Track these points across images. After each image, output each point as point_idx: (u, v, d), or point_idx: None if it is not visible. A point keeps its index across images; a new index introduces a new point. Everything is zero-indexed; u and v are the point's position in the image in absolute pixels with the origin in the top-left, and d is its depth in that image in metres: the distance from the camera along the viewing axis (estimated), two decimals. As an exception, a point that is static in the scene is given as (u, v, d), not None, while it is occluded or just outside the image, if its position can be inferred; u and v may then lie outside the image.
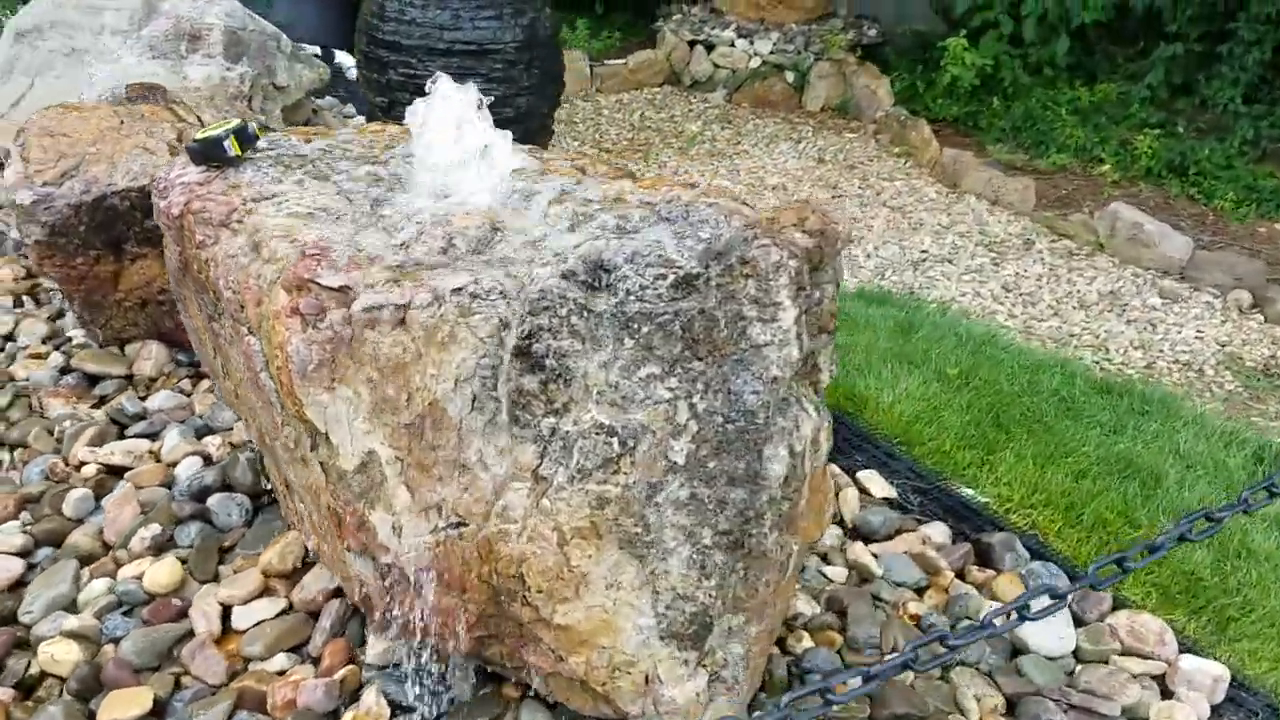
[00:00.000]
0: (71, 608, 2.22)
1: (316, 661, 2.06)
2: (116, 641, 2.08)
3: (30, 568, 2.34)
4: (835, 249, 1.91)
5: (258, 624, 2.12)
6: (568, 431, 1.70)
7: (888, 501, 2.75)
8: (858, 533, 2.61)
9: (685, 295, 1.70)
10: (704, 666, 1.87)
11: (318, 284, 1.65)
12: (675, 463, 1.73)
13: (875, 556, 2.49)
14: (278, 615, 2.12)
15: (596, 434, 1.70)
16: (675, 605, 1.81)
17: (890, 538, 2.59)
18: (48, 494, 2.51)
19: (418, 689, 1.93)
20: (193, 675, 2.03)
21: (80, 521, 2.45)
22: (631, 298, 1.67)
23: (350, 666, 2.03)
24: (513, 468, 1.72)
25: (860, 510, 2.65)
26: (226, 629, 2.13)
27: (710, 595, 1.82)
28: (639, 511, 1.74)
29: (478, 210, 1.87)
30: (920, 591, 2.42)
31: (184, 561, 2.27)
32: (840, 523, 2.63)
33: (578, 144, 7.11)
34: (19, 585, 2.28)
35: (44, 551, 2.38)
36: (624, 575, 1.77)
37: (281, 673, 2.04)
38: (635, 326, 1.68)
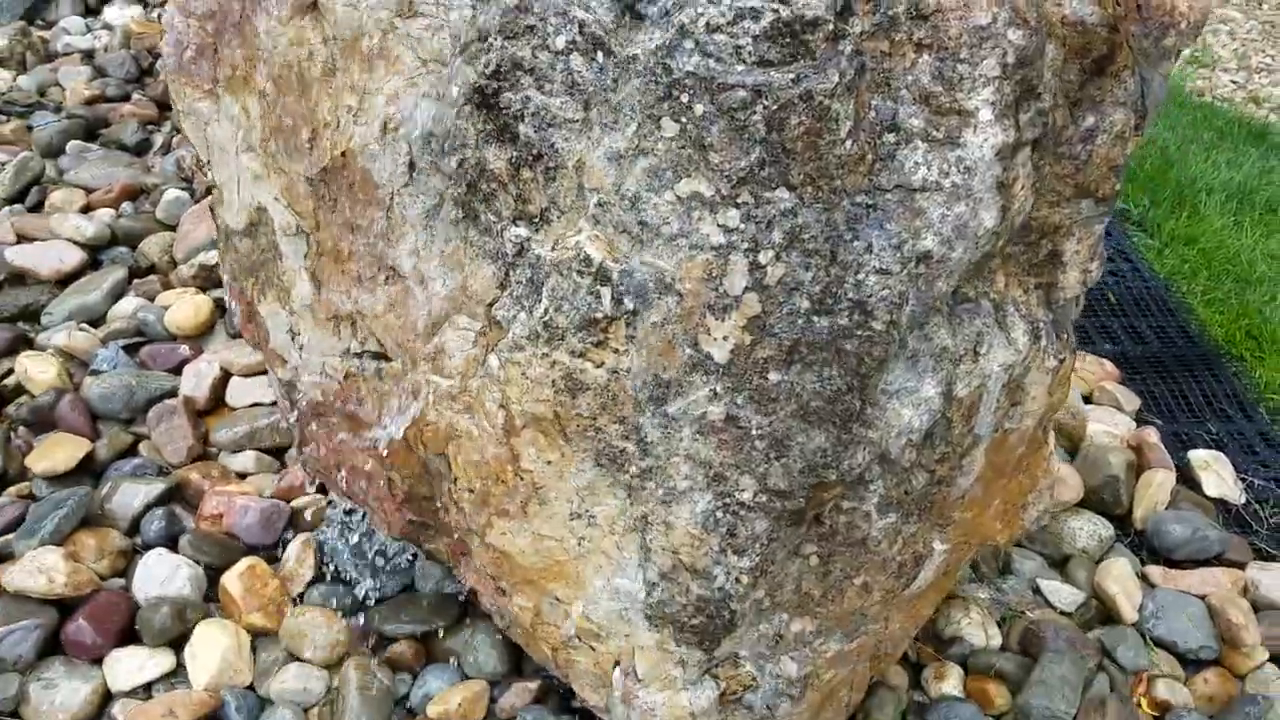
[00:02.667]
0: (97, 322, 1.94)
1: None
2: (98, 374, 1.77)
3: (94, 265, 2.08)
4: (1156, 41, 1.04)
5: (251, 406, 1.72)
6: (539, 256, 1.06)
7: (1222, 506, 1.82)
8: (1142, 541, 1.74)
9: (787, 60, 0.95)
10: (714, 677, 1.22)
11: (212, -76, 1.08)
12: (709, 356, 1.04)
13: (1150, 586, 1.63)
14: (273, 402, 1.70)
15: (580, 273, 1.04)
16: (676, 577, 1.15)
17: (1193, 565, 1.70)
18: (159, 190, 2.25)
19: (353, 559, 1.45)
20: (152, 443, 1.68)
21: (171, 228, 2.16)
22: (690, 43, 0.95)
23: (315, 498, 1.57)
24: (459, 292, 1.11)
25: (1165, 508, 1.76)
26: (220, 402, 1.75)
27: (738, 579, 1.14)
28: (633, 418, 1.08)
29: None
30: (1197, 666, 1.54)
31: (221, 305, 1.90)
32: (1123, 518, 1.76)
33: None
34: (70, 280, 2.03)
35: (118, 250, 2.12)
36: (600, 507, 1.14)
37: (242, 476, 1.64)
38: (684, 101, 0.97)
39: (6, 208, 2.25)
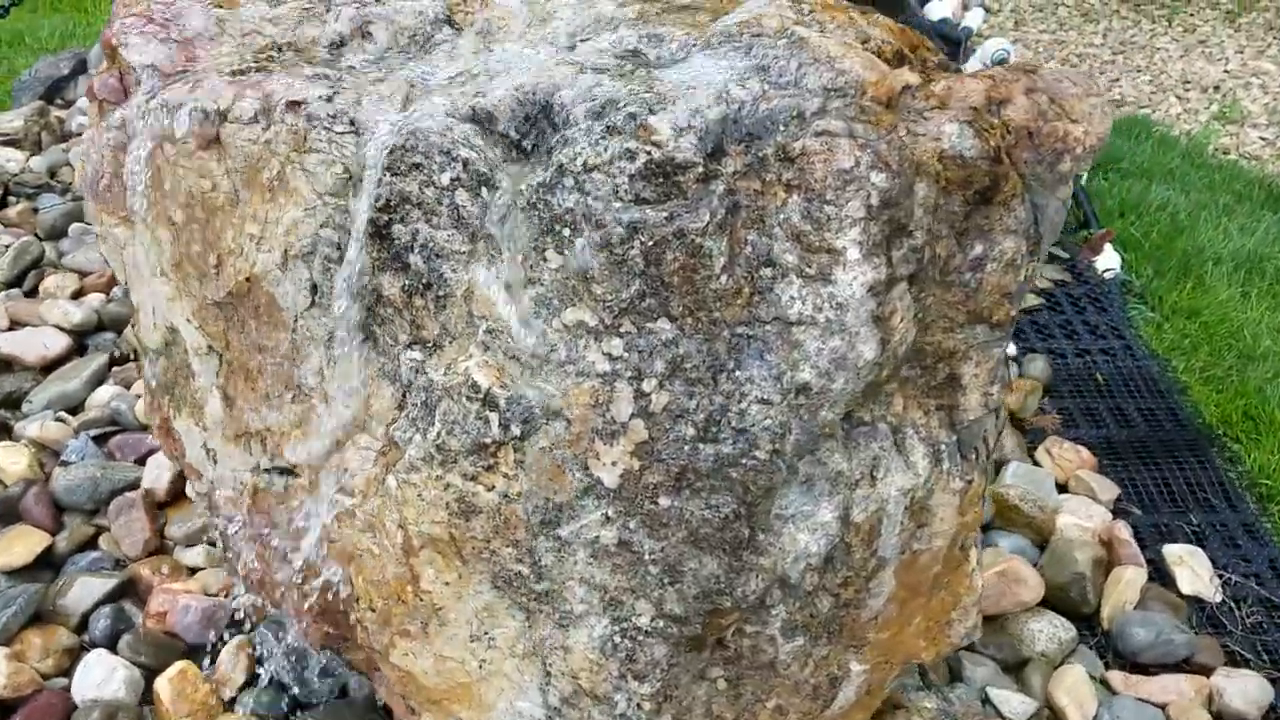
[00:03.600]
0: (77, 409, 2.00)
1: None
2: (67, 465, 1.82)
3: (81, 350, 2.15)
4: (1050, 167, 1.05)
5: (205, 499, 1.75)
6: (433, 381, 1.08)
7: (1196, 604, 1.79)
8: (1108, 642, 1.71)
9: (661, 199, 0.97)
10: (626, 804, 1.21)
11: (123, 55, 1.13)
12: (599, 481, 1.05)
13: (1110, 693, 1.60)
14: (228, 496, 1.73)
15: (469, 398, 1.06)
16: (577, 703, 1.16)
17: (1159, 669, 1.67)
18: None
19: (288, 662, 1.47)
20: (112, 535, 1.72)
21: (151, 311, 2.22)
22: (569, 181, 0.98)
23: (255, 597, 1.60)
24: (361, 411, 1.13)
25: (1134, 607, 1.73)
26: (180, 494, 1.79)
27: (640, 705, 1.15)
28: (526, 542, 1.09)
29: (459, -10, 1.22)
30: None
31: (188, 393, 1.94)
32: (1091, 618, 1.74)
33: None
34: (54, 366, 2.09)
35: (104, 336, 2.18)
36: (500, 629, 1.15)
37: (194, 571, 1.67)
38: (565, 235, 0.99)
39: (3, 292, 2.32)
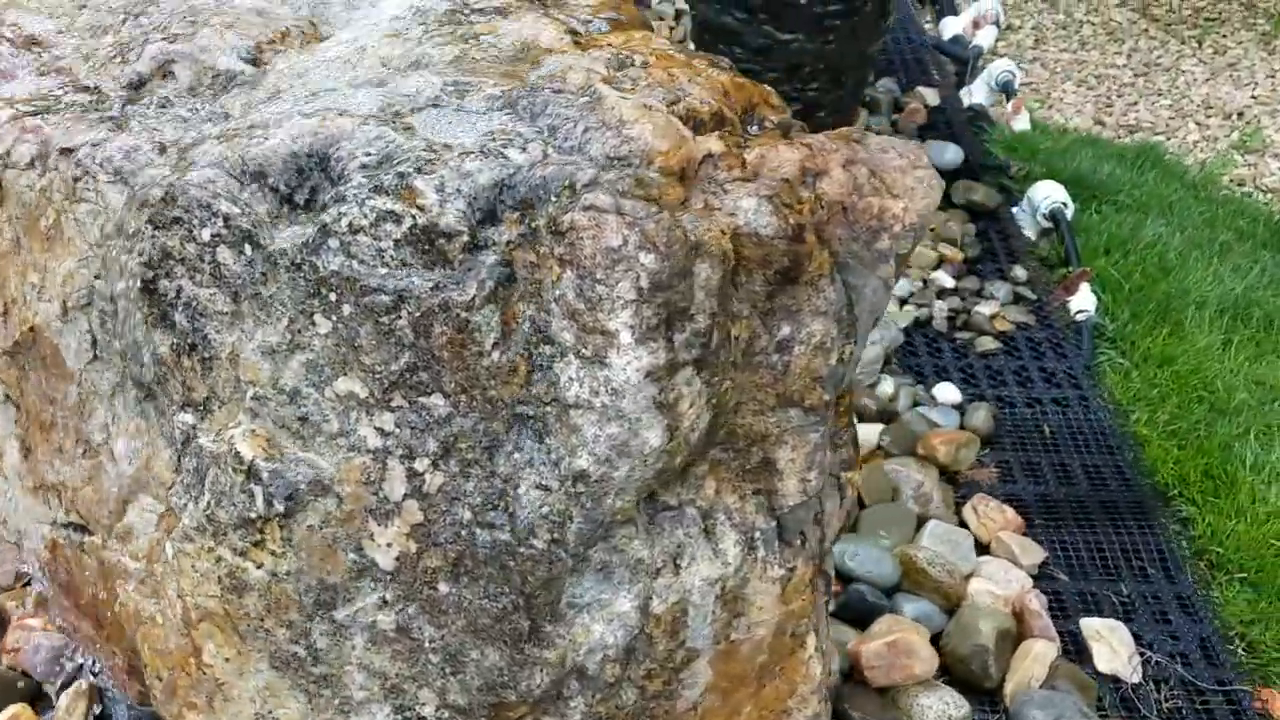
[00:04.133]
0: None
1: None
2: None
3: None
4: (866, 245, 0.97)
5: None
6: (202, 446, 1.02)
7: (1111, 684, 1.69)
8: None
9: (428, 266, 0.90)
10: None
11: (-93, 91, 1.08)
12: (375, 564, 0.99)
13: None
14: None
15: (234, 469, 0.99)
16: (364, 791, 1.08)
17: (1061, 754, 1.57)
18: None
19: (126, 708, 1.41)
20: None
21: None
22: (334, 242, 0.91)
23: (115, 635, 1.55)
24: (144, 471, 1.07)
25: (1041, 684, 1.63)
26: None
27: (430, 799, 1.07)
28: (301, 623, 1.03)
29: (281, 19, 1.16)
30: None
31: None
32: (994, 692, 1.64)
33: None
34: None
35: None
36: (283, 710, 1.08)
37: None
38: (332, 300, 0.93)
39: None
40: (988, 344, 2.39)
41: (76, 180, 1.00)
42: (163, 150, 1.00)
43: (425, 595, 1.01)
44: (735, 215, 0.93)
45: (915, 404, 2.14)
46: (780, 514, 1.08)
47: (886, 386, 2.16)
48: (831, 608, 1.69)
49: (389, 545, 1.00)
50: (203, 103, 1.07)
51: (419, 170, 0.92)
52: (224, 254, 0.96)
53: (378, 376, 0.95)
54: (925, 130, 3.13)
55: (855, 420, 1.22)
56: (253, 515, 1.01)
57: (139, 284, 1.00)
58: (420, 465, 0.97)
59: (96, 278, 1.03)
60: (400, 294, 0.92)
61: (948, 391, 2.20)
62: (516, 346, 0.93)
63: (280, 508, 1.00)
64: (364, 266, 0.92)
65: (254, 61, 1.11)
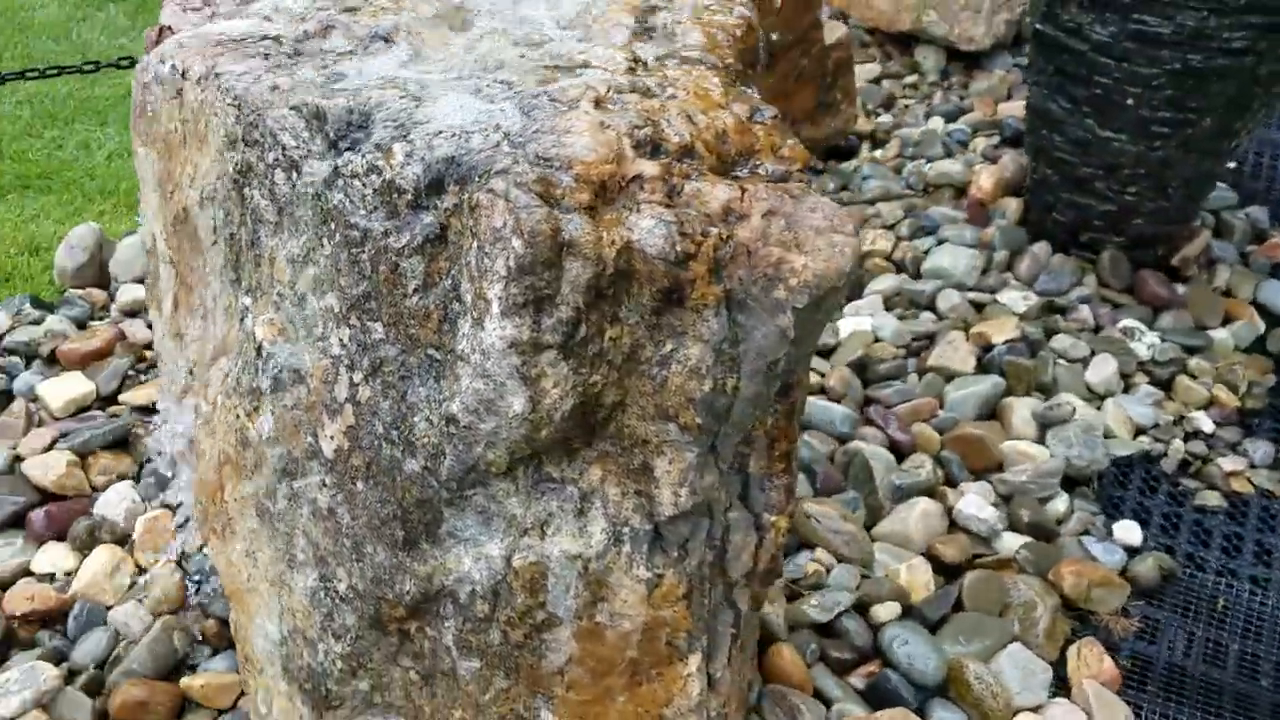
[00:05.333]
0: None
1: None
2: None
3: None
4: (765, 291, 1.06)
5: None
6: (247, 325, 1.29)
7: None
8: None
9: (388, 215, 1.11)
10: (330, 752, 1.35)
11: (161, 16, 1.45)
12: (320, 451, 1.22)
13: None
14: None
15: (253, 348, 1.26)
16: (295, 639, 1.32)
17: None
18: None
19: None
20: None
21: None
22: (341, 182, 1.15)
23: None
24: (226, 338, 1.37)
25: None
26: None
27: (334, 661, 1.29)
28: (271, 483, 1.28)
29: None
30: None
31: None
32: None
33: None
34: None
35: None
36: (261, 552, 1.35)
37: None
38: (331, 228, 1.16)
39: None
40: (1212, 500, 2.17)
41: (218, 96, 1.30)
42: (275, 89, 1.28)
43: (348, 488, 1.21)
44: (632, 231, 1.04)
45: (1085, 532, 2.02)
46: (658, 521, 1.16)
47: (1059, 505, 2.05)
48: (861, 685, 1.69)
49: (331, 438, 1.21)
50: (334, 59, 1.34)
51: (404, 138, 1.12)
52: (278, 175, 1.22)
53: (346, 297, 1.16)
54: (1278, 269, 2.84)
55: (795, 470, 1.25)
56: (256, 386, 1.27)
57: (233, 186, 1.28)
58: (357, 377, 1.17)
59: (218, 177, 1.33)
60: (365, 232, 1.13)
61: (1129, 531, 2.04)
62: (435, 297, 1.10)
63: (267, 384, 1.24)
64: (350, 205, 1.14)
65: (386, 39, 1.36)
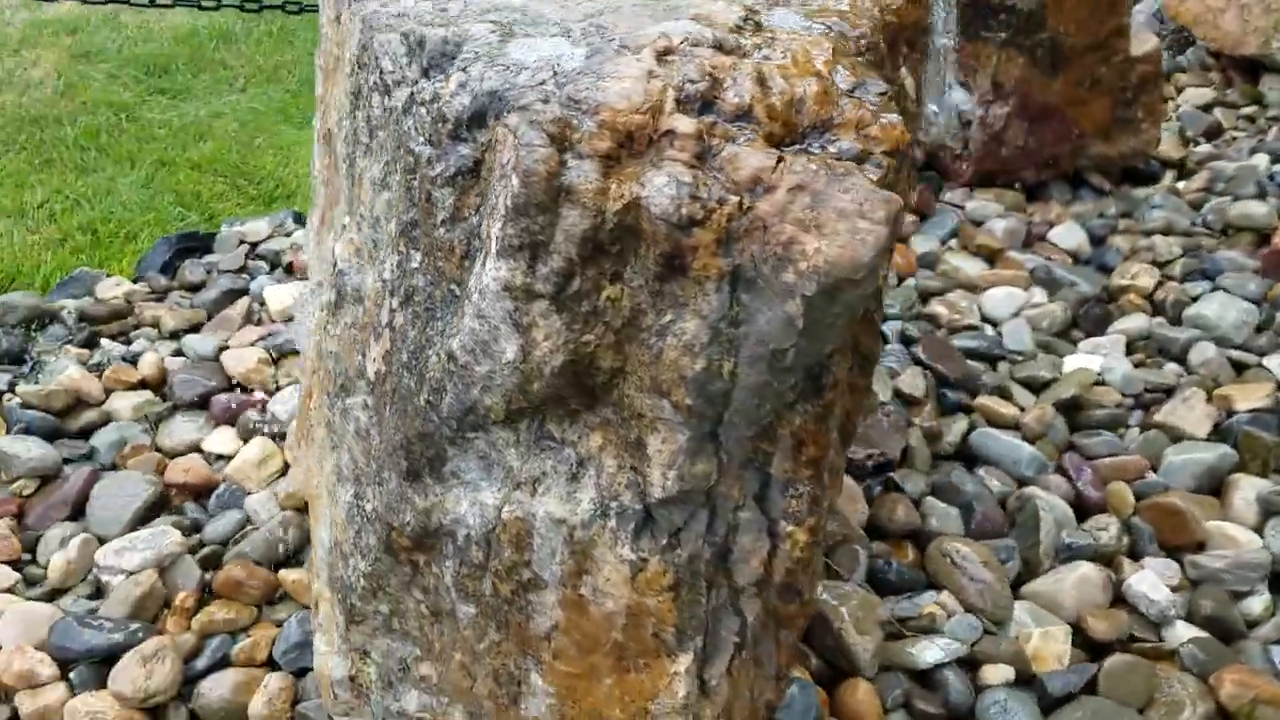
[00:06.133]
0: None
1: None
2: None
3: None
4: (775, 271, 0.98)
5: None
6: (333, 247, 1.34)
7: None
8: None
9: (432, 143, 1.12)
10: (347, 657, 1.39)
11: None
12: (365, 371, 1.25)
13: None
14: None
15: (329, 264, 1.31)
16: (335, 550, 1.37)
17: None
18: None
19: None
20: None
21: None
22: (412, 108, 1.17)
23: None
24: (331, 250, 1.44)
25: None
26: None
27: (359, 578, 1.33)
28: (332, 400, 1.33)
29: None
30: None
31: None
32: None
33: None
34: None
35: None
36: (325, 462, 1.41)
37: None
38: (401, 153, 1.19)
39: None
40: None
41: (352, 23, 1.35)
42: (399, 15, 1.30)
43: (381, 411, 1.22)
44: (644, 187, 0.97)
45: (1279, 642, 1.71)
46: (649, 503, 1.08)
47: (1255, 604, 1.74)
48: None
49: (374, 360, 1.22)
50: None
51: (464, 70, 1.11)
52: (375, 99, 1.25)
53: (400, 223, 1.17)
54: None
55: (826, 482, 1.12)
56: (329, 300, 1.31)
57: (350, 108, 1.33)
58: (395, 303, 1.18)
59: (346, 98, 1.38)
60: (417, 158, 1.13)
61: (1346, 653, 1.71)
62: (461, 231, 1.09)
63: (335, 299, 1.28)
64: (413, 130, 1.14)
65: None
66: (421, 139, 1.13)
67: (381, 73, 1.23)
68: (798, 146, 1.06)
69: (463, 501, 1.16)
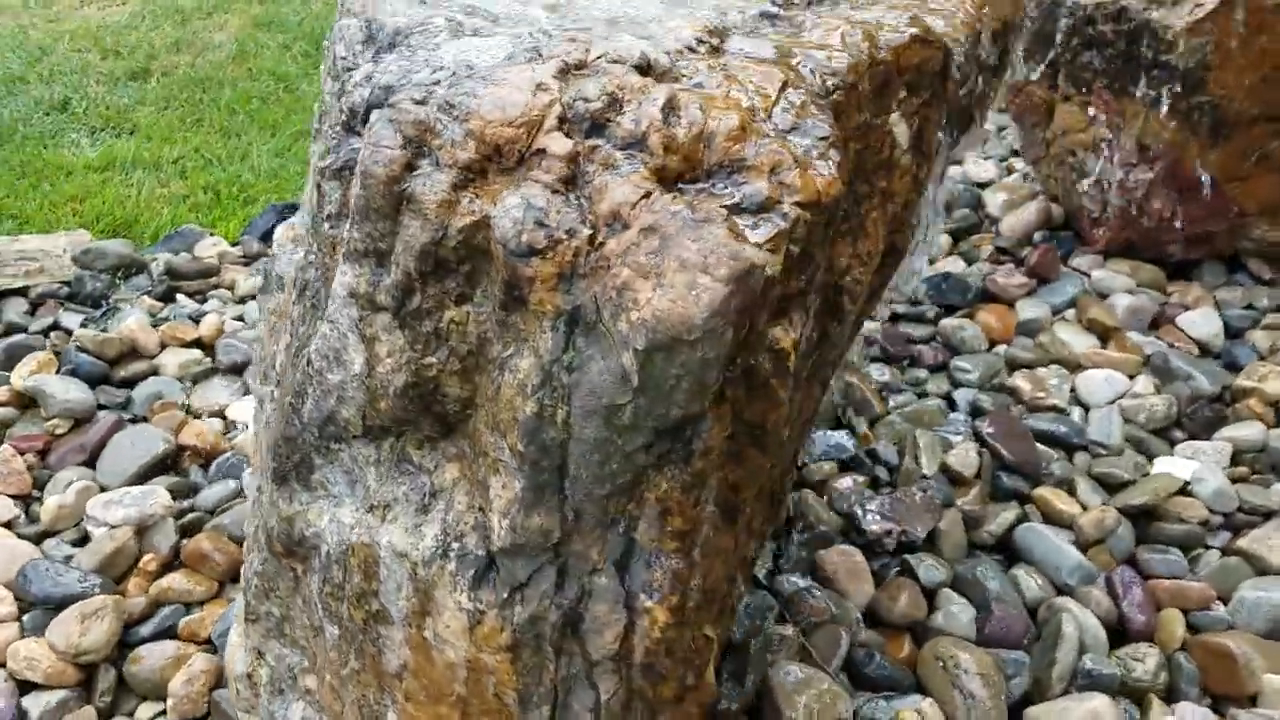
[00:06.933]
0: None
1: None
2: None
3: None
4: (611, 318, 0.88)
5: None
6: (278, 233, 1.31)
7: None
8: None
9: (333, 138, 1.07)
10: (252, 652, 1.36)
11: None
12: (275, 361, 1.21)
13: None
14: None
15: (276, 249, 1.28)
16: (249, 542, 1.33)
17: None
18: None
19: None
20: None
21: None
22: (341, 97, 1.12)
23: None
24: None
25: None
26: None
27: (254, 580, 1.28)
28: (261, 386, 1.29)
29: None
30: None
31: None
32: None
33: None
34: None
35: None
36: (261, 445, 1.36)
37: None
38: (334, 142, 1.14)
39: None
40: None
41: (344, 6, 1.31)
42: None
43: (278, 404, 1.17)
44: (495, 206, 0.88)
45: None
46: (493, 550, 0.98)
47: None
48: None
49: (281, 351, 1.17)
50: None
51: (376, 61, 1.04)
52: (329, 84, 1.20)
53: (311, 214, 1.12)
54: None
55: (694, 558, 0.99)
56: (260, 284, 1.27)
57: (331, 75, 1.29)
58: (294, 295, 1.12)
59: (329, 82, 1.34)
60: (328, 149, 1.07)
61: None
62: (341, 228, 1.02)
63: (262, 285, 1.23)
64: (335, 121, 1.09)
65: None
66: (336, 131, 1.07)
67: (335, 58, 1.18)
68: (698, 186, 0.94)
69: (324, 515, 1.09)
